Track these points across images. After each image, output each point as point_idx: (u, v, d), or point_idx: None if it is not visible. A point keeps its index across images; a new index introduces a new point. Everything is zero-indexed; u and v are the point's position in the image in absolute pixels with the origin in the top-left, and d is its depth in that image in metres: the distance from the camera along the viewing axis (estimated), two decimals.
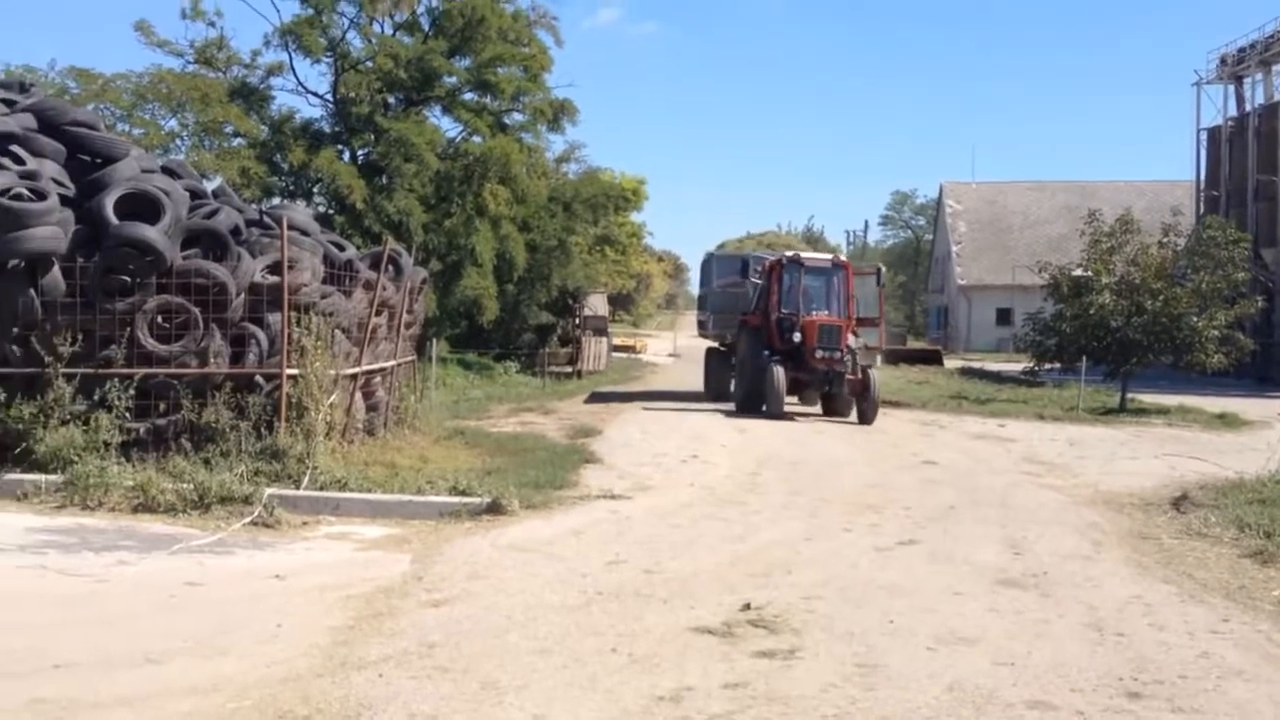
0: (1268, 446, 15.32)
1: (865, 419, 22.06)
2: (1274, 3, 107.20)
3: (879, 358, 27.05)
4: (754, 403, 22.74)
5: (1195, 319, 25.90)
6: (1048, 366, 28.79)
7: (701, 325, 30.65)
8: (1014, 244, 68.54)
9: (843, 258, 26.04)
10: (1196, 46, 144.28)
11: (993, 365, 41.38)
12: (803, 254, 25.91)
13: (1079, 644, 7.26)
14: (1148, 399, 27.96)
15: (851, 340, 22.81)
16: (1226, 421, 24.20)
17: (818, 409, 24.53)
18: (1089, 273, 27.17)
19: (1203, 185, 48.13)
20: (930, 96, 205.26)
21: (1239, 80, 46.71)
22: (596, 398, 27.18)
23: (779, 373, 22.03)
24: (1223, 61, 46.70)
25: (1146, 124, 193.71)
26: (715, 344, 28.48)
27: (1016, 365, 30.24)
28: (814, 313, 23.32)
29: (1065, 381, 29.53)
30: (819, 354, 22.26)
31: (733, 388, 25.30)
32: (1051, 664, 6.77)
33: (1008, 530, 11.38)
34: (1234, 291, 27.15)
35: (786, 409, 22.83)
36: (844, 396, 22.90)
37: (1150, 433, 22.34)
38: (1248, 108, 45.94)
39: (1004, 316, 61.33)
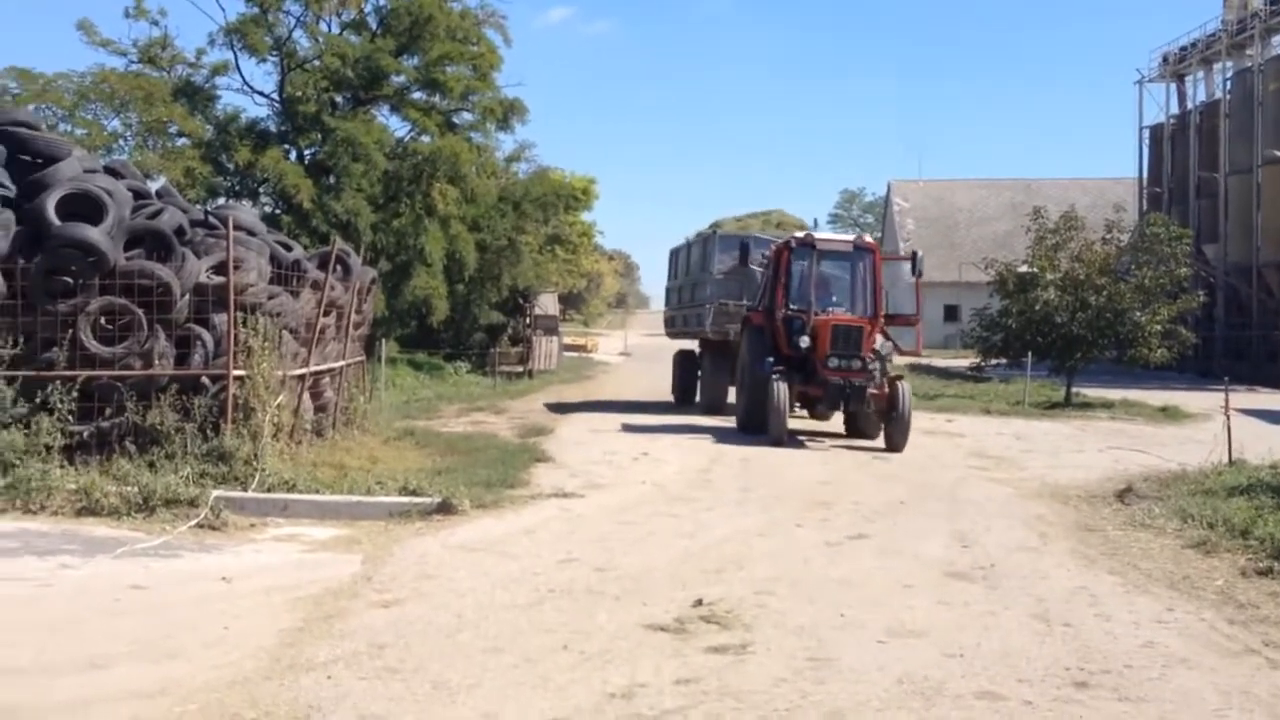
0: (1210, 439, 15.54)
1: (892, 444, 17.60)
2: (1215, 2, 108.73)
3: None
4: (757, 421, 18.34)
5: (1138, 314, 26.29)
6: (994, 362, 29.13)
7: (669, 324, 28.30)
8: (961, 241, 69.19)
9: (869, 238, 21.00)
10: (1139, 45, 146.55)
11: (940, 361, 41.71)
12: (817, 235, 20.84)
13: (1026, 635, 7.33)
14: (1092, 393, 28.32)
15: (878, 344, 18.78)
16: (1169, 415, 24.57)
17: (835, 424, 20.10)
18: (1034, 269, 27.50)
19: (1145, 182, 48.87)
20: (878, 95, 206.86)
21: (1181, 78, 47.45)
22: (556, 408, 24.12)
23: (780, 390, 17.60)
24: (1165, 60, 47.42)
25: (1091, 122, 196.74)
26: (694, 345, 25.26)
27: (964, 361, 30.50)
28: (830, 310, 18.96)
29: (1011, 377, 29.83)
30: (832, 363, 17.86)
31: (733, 395, 21.62)
32: (1000, 655, 6.84)
33: (956, 524, 11.48)
34: (1176, 287, 27.59)
35: (799, 426, 19.50)
36: (868, 415, 18.53)
37: (1095, 426, 22.63)
38: (1189, 105, 46.67)
39: (951, 313, 61.91)
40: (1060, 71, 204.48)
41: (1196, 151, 44.11)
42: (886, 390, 17.86)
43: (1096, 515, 12.19)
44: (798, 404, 18.74)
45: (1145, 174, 49.12)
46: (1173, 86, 47.96)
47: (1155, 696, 6.18)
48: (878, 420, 18.26)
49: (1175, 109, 47.67)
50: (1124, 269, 27.13)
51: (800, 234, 20.76)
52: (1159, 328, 26.46)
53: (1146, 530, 11.11)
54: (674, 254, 28.64)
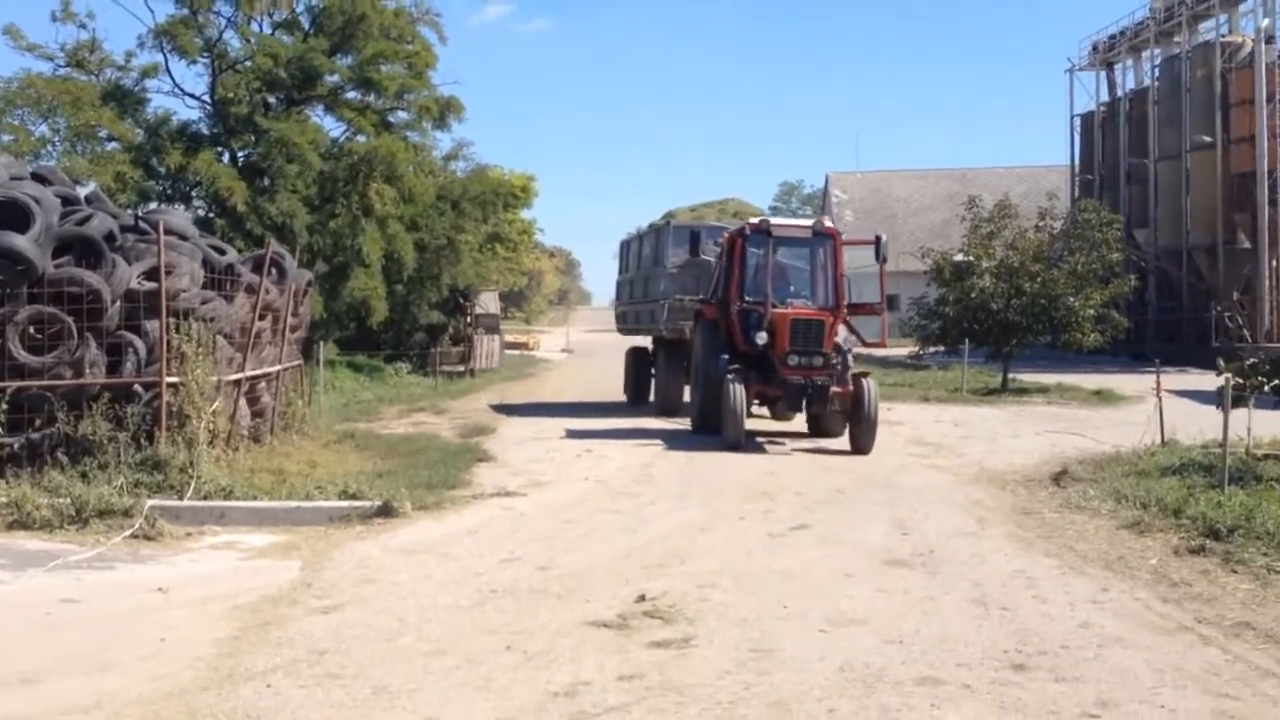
0: (1143, 420, 15.79)
1: (859, 445, 16.44)
2: None
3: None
4: (712, 423, 17.08)
5: (1072, 299, 26.66)
6: (932, 350, 29.39)
7: (620, 320, 27.05)
8: (898, 231, 69.53)
9: (829, 223, 19.47)
10: (1070, 34, 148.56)
11: (879, 350, 41.89)
12: (774, 220, 19.67)
13: (965, 619, 7.42)
14: (1028, 378, 28.68)
15: (841, 337, 17.49)
16: (1103, 398, 24.94)
17: (798, 424, 18.93)
18: (970, 257, 27.81)
19: (1077, 169, 49.49)
20: (816, 88, 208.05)
21: (1110, 67, 48.10)
22: (500, 408, 23.49)
23: (736, 391, 16.33)
24: (1095, 49, 48.06)
25: (1024, 111, 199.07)
26: (648, 341, 24.02)
27: (902, 350, 30.75)
28: (790, 302, 17.71)
29: (949, 364, 30.16)
30: (792, 360, 16.59)
31: (687, 395, 20.63)
32: (939, 640, 6.91)
33: (896, 511, 11.59)
34: (1108, 271, 28.02)
35: (759, 426, 18.55)
36: (833, 414, 17.38)
37: (1031, 411, 22.93)
38: (1119, 93, 47.32)
39: (890, 302, 62.14)
40: (994, 61, 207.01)
41: (1127, 138, 44.76)
42: (851, 388, 16.70)
43: (1033, 499, 12.35)
44: (756, 403, 17.72)
45: (1077, 161, 49.73)
46: (1103, 74, 48.62)
47: (1091, 676, 6.27)
48: (842, 420, 17.17)
49: (1106, 96, 48.32)
50: (1057, 255, 27.50)
51: (755, 220, 19.18)
52: (1092, 312, 26.85)
53: (1082, 512, 11.28)
54: (625, 246, 27.50)
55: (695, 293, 20.26)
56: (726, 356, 17.19)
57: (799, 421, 18.66)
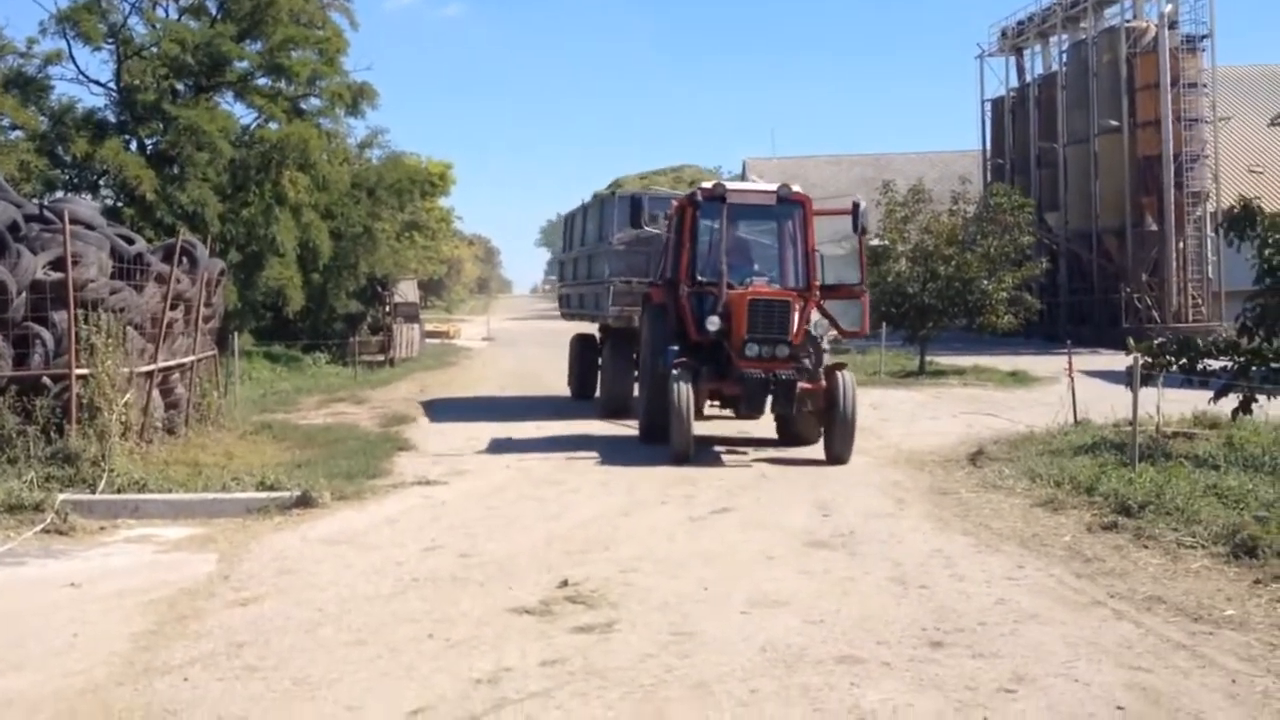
0: (1057, 400, 16.12)
1: (833, 453, 14.00)
2: None
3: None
4: (661, 427, 14.34)
5: (985, 282, 27.06)
6: None
7: (563, 303, 24.42)
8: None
9: (797, 188, 15.74)
10: (979, 20, 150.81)
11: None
12: (731, 185, 16.42)
13: (885, 598, 7.52)
14: (945, 361, 29.11)
15: (813, 323, 14.91)
16: (1018, 379, 25.39)
17: (765, 428, 16.23)
18: (886, 242, 28.08)
19: (989, 154, 50.20)
20: (732, 75, 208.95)
21: (1019, 52, 48.82)
22: (436, 410, 20.51)
23: (682, 390, 13.66)
24: (1003, 34, 48.73)
25: (936, 96, 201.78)
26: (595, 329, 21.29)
27: None
28: (750, 281, 14.80)
29: (868, 348, 30.43)
30: (751, 351, 13.91)
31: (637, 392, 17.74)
32: (859, 619, 6.99)
33: (817, 493, 11.71)
34: (1020, 255, 28.48)
35: (720, 429, 16.29)
36: (804, 415, 14.80)
37: (948, 393, 23.27)
38: (1028, 79, 48.07)
39: None
40: (906, 48, 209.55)
41: (1036, 123, 45.46)
42: (824, 383, 14.24)
43: (950, 479, 12.55)
44: (715, 404, 15.47)
45: (988, 146, 50.43)
46: (1012, 60, 49.31)
47: (1008, 652, 6.38)
48: (816, 422, 14.74)
49: (1015, 82, 49.05)
50: (970, 239, 27.87)
51: (708, 185, 16.04)
52: (1005, 295, 27.28)
53: (998, 491, 11.49)
54: (568, 220, 24.39)
55: (645, 273, 18.08)
56: (676, 348, 14.45)
57: (768, 422, 15.93)
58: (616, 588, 7.78)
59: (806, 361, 14.37)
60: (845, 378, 14.10)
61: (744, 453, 14.99)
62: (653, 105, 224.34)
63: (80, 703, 5.70)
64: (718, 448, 15.16)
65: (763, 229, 16.38)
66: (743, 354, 13.91)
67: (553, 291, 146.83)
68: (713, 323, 14.20)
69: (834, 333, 15.97)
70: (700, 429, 14.71)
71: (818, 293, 14.98)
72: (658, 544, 9.29)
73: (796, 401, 14.13)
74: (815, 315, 15.05)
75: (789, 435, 15.55)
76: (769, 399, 14.02)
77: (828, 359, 15.03)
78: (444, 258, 71.74)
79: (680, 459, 13.61)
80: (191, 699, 5.73)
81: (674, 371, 13.93)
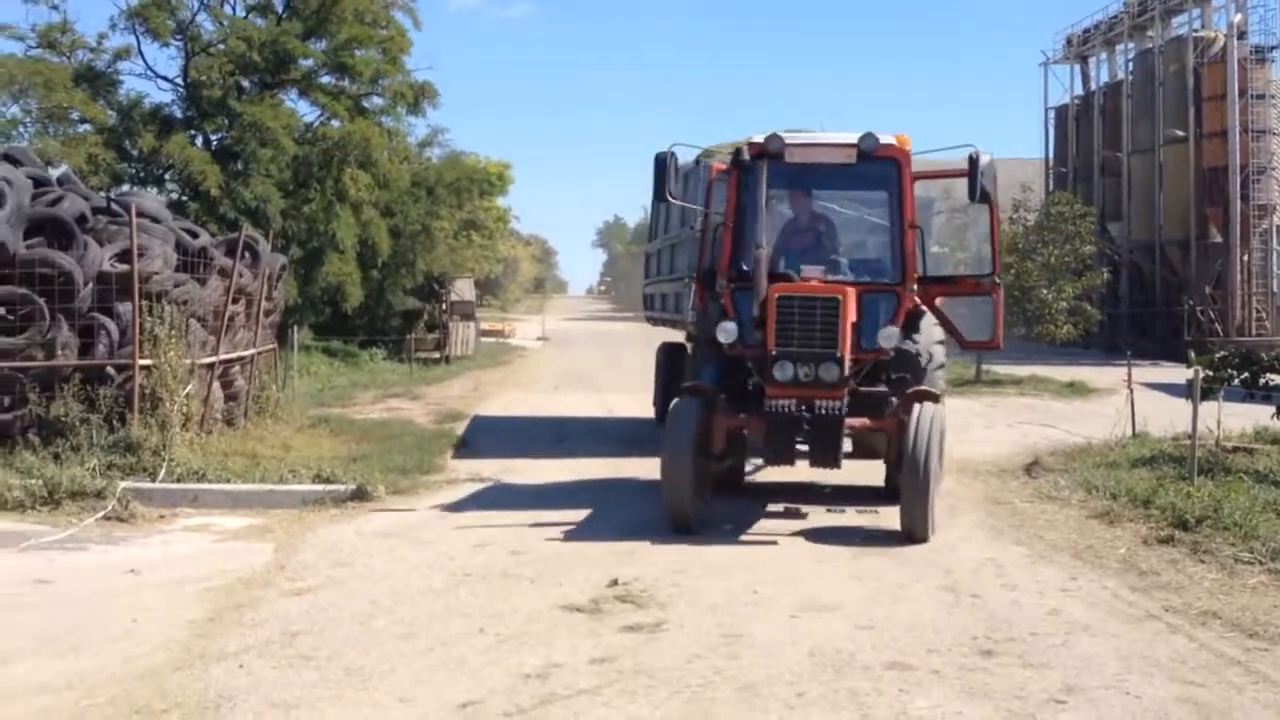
0: (1115, 412, 15.92)
1: (904, 524, 9.55)
2: None
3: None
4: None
5: (1045, 291, 26.82)
6: None
7: (647, 304, 18.41)
8: None
9: (889, 138, 10.89)
10: (1045, 28, 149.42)
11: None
12: (790, 139, 10.90)
13: (935, 606, 7.48)
14: (1002, 370, 28.78)
15: (923, 332, 11.04)
16: (1076, 390, 25.07)
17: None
18: (945, 249, 27.90)
19: (1051, 162, 49.71)
20: (799, 77, 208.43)
21: (1084, 60, 48.34)
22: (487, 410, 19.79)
23: (675, 435, 9.74)
24: (1069, 42, 48.27)
25: (999, 104, 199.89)
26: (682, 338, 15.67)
27: None
28: (815, 273, 10.47)
29: None
30: (781, 374, 9.76)
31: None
32: (909, 626, 6.96)
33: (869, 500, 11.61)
34: (1081, 264, 28.24)
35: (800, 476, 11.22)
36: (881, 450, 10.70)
37: (1004, 402, 23.04)
38: (1093, 86, 47.58)
39: None
40: (970, 55, 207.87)
41: (1100, 131, 45.00)
42: (894, 419, 9.99)
43: (1005, 488, 12.44)
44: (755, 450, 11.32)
45: (1051, 154, 49.96)
46: (1077, 68, 48.86)
47: (1059, 663, 6.33)
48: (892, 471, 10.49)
49: (1080, 90, 48.58)
50: (1031, 247, 27.64)
51: (756, 138, 10.93)
52: (1065, 305, 27.04)
53: (1052, 502, 11.38)
54: (655, 204, 17.09)
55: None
56: (715, 367, 10.63)
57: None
58: (665, 588, 7.79)
59: (884, 388, 10.35)
60: (922, 414, 9.66)
61: (803, 514, 10.65)
62: (713, 108, 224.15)
63: (138, 686, 5.80)
64: (788, 508, 10.83)
65: (839, 198, 12.06)
66: (772, 376, 9.87)
67: (608, 292, 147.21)
68: (725, 331, 10.22)
69: (942, 346, 11.62)
70: (770, 474, 11.82)
71: (914, 281, 10.73)
72: (707, 546, 9.25)
73: (836, 445, 9.97)
74: (927, 322, 11.21)
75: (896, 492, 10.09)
76: (807, 442, 9.95)
77: (941, 382, 11.15)
78: (501, 257, 71.96)
79: (679, 527, 9.70)
80: (246, 686, 5.82)
81: (675, 403, 10.20)
